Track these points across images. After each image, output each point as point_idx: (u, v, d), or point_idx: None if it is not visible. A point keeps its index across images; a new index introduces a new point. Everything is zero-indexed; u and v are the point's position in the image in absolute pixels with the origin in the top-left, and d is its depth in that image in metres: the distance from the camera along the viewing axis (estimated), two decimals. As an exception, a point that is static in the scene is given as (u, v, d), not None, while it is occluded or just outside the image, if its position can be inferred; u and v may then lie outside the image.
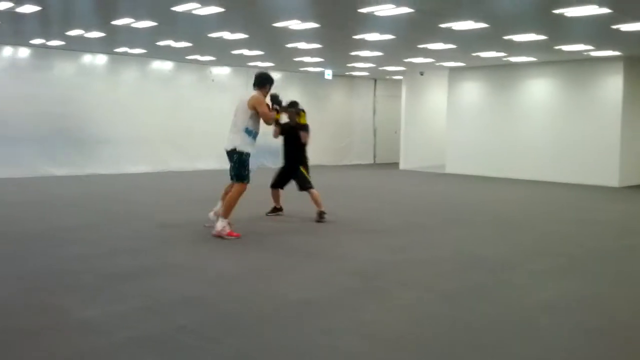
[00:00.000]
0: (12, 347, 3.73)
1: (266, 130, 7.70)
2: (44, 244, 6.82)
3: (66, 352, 3.68)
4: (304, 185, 8.34)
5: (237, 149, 7.07)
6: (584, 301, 5.01)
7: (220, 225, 7.04)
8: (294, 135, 8.26)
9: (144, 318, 4.28)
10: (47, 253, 6.35)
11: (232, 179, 7.27)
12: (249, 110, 7.03)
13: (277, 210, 8.72)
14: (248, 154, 7.09)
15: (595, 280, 5.71)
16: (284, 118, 8.19)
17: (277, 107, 7.45)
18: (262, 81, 7.30)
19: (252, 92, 7.23)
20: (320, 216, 8.19)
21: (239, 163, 7.08)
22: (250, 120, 7.03)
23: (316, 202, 8.24)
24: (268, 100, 7.41)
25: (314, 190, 8.30)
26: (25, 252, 6.36)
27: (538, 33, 10.80)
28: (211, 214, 7.48)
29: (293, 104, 8.29)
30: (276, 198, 8.68)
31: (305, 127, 8.19)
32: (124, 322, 4.18)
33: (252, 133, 7.07)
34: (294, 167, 8.39)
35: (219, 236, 7.01)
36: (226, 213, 7.09)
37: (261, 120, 7.19)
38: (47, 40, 13.14)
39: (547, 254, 6.82)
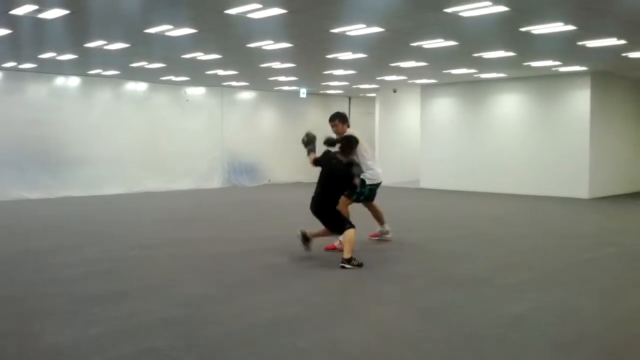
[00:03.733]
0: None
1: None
2: (16, 267, 6.74)
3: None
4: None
5: None
6: (555, 315, 5.07)
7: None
8: None
9: (117, 341, 4.26)
10: (19, 277, 6.27)
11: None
12: None
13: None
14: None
15: (567, 293, 5.78)
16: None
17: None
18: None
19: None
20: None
21: None
22: None
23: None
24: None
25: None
26: (-3, 278, 6.29)
27: (507, 50, 11.04)
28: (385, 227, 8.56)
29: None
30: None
31: None
32: (98, 346, 4.15)
33: None
34: None
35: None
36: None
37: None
38: (19, 63, 13.07)
39: (519, 267, 6.91)
